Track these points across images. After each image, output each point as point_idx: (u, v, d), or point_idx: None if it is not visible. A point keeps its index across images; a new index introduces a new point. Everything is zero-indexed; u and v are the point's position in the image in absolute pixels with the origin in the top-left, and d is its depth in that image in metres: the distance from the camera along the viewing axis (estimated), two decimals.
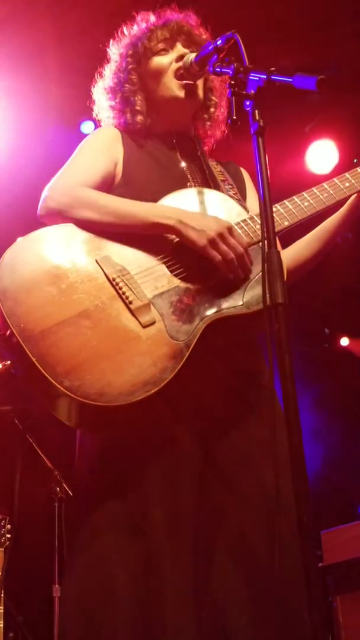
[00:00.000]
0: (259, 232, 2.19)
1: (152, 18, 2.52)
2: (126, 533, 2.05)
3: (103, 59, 2.60)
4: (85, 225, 2.23)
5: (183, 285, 2.17)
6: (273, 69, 1.96)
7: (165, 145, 2.49)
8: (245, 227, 2.25)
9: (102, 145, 2.43)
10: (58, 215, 2.24)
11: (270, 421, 1.99)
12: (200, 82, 2.47)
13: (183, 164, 2.46)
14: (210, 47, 2.25)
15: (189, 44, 2.46)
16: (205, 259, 2.17)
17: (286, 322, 1.75)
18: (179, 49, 2.45)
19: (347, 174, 2.37)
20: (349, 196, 2.37)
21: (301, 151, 5.42)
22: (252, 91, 1.95)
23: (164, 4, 2.57)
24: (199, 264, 2.22)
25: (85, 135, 2.52)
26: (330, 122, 5.30)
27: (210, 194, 2.33)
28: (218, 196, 2.34)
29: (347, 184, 2.35)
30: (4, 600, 3.95)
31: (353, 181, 2.35)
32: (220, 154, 2.63)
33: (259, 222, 2.16)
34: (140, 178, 2.38)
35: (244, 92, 1.97)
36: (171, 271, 2.19)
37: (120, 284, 2.13)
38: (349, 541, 3.93)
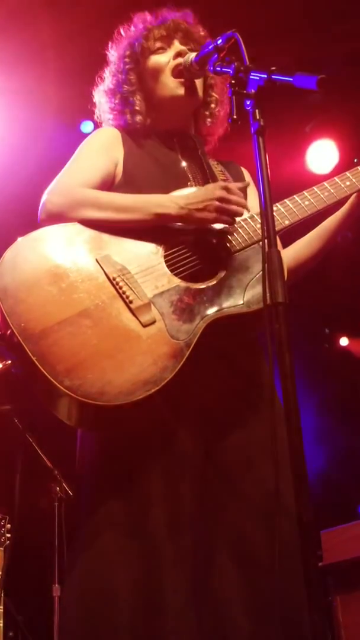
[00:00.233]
0: (260, 231, 2.19)
1: (149, 17, 2.51)
2: (126, 533, 2.05)
3: (103, 59, 2.60)
4: (87, 224, 2.23)
5: (183, 284, 2.17)
6: (274, 68, 1.96)
7: (165, 144, 2.49)
8: (246, 226, 2.26)
9: (102, 146, 2.43)
10: (59, 218, 2.24)
11: (271, 420, 1.99)
12: (199, 80, 2.47)
13: (184, 164, 2.46)
14: (210, 47, 2.25)
15: (187, 41, 2.46)
16: (208, 258, 2.18)
17: (286, 321, 1.75)
18: (177, 46, 2.45)
19: (348, 173, 2.37)
20: (350, 195, 2.37)
21: (301, 151, 5.42)
22: (253, 90, 1.95)
23: (161, 3, 2.57)
24: (199, 263, 2.22)
25: (84, 135, 2.53)
26: (331, 122, 5.30)
27: None
28: None
29: (347, 183, 2.35)
30: (4, 600, 3.95)
31: (354, 180, 2.35)
32: (221, 154, 2.62)
33: (260, 221, 2.17)
34: (140, 178, 2.38)
35: (245, 92, 1.96)
36: (171, 270, 2.19)
37: (121, 284, 2.13)
38: (349, 541, 3.92)
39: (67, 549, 3.66)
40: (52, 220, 2.24)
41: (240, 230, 2.25)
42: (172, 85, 2.43)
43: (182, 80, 2.42)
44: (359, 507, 5.42)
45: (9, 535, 4.05)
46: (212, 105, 2.54)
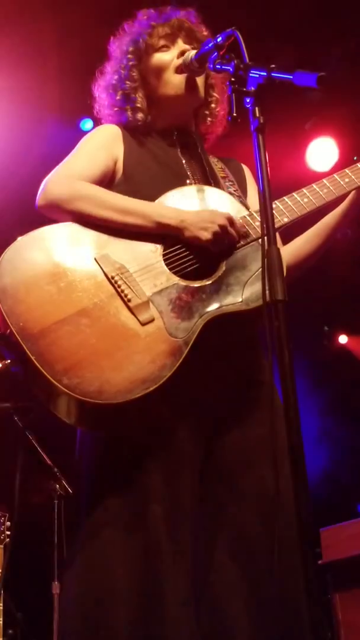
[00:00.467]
0: (259, 229, 2.19)
1: (153, 15, 2.51)
2: (126, 530, 2.05)
3: (103, 56, 2.59)
4: (84, 221, 2.23)
5: (182, 282, 2.17)
6: (273, 66, 1.96)
7: (165, 142, 2.49)
8: (245, 224, 2.25)
9: (102, 143, 2.43)
10: (56, 207, 2.24)
11: (270, 418, 1.99)
12: (201, 79, 2.46)
13: (183, 161, 2.46)
14: (210, 44, 2.25)
15: (190, 40, 2.46)
16: (206, 256, 2.18)
17: (286, 318, 1.74)
18: (180, 45, 2.45)
19: (347, 170, 2.37)
20: (349, 192, 2.37)
21: (301, 148, 5.42)
22: (253, 88, 1.95)
23: (162, 1, 2.57)
24: (198, 261, 2.22)
25: (84, 133, 2.52)
26: (330, 120, 5.30)
27: (210, 191, 2.33)
28: (218, 193, 2.34)
29: (346, 180, 2.35)
30: (4, 597, 3.96)
31: (353, 177, 2.35)
32: (221, 151, 2.62)
33: (259, 218, 2.17)
34: (140, 175, 2.38)
35: (244, 89, 1.96)
36: (170, 269, 2.19)
37: (119, 282, 2.13)
38: (348, 539, 3.93)
39: (66, 546, 3.66)
40: (49, 208, 2.24)
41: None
42: (175, 83, 2.43)
43: (186, 78, 2.42)
44: (358, 506, 5.42)
45: (8, 532, 4.05)
46: (213, 105, 2.54)
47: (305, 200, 2.29)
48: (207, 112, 2.55)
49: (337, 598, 3.84)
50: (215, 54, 2.21)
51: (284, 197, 2.30)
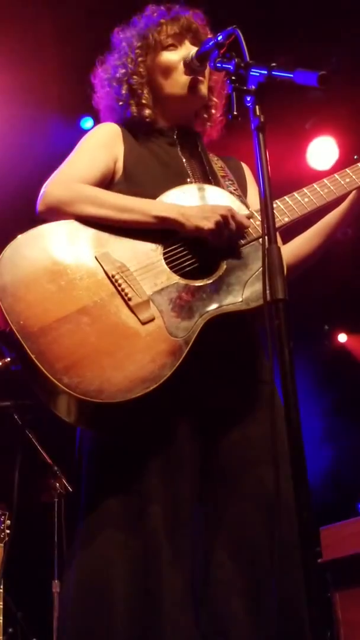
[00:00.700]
0: (259, 228, 2.18)
1: (162, 12, 2.49)
2: (125, 529, 2.05)
3: (103, 54, 2.58)
4: (85, 221, 2.23)
5: (182, 281, 2.16)
6: (274, 64, 1.95)
7: (166, 140, 2.48)
8: None
9: (102, 142, 2.42)
10: (57, 211, 2.23)
11: (271, 418, 1.99)
12: (204, 80, 2.46)
13: (184, 160, 2.45)
14: (211, 43, 2.24)
15: (196, 42, 2.45)
16: (207, 255, 2.17)
17: (286, 318, 1.74)
18: (187, 46, 2.44)
19: (347, 170, 2.36)
20: (350, 192, 2.37)
21: (302, 147, 5.42)
22: (253, 87, 1.95)
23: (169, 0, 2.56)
24: (198, 260, 2.21)
25: (84, 132, 2.51)
26: (331, 119, 5.30)
27: (210, 190, 2.33)
28: (218, 192, 2.33)
29: (347, 180, 2.35)
30: (4, 596, 3.96)
31: (354, 176, 2.35)
32: (222, 150, 2.62)
33: (259, 218, 2.17)
34: (140, 174, 2.37)
35: (245, 88, 1.96)
36: (171, 268, 2.19)
37: (120, 281, 2.13)
38: (348, 537, 3.93)
39: (66, 545, 3.66)
40: (50, 213, 2.23)
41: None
42: (183, 83, 2.42)
43: (191, 79, 2.41)
44: (358, 504, 5.42)
45: (8, 531, 4.06)
46: (212, 111, 2.54)
47: (306, 199, 2.29)
48: (205, 116, 2.55)
49: (337, 597, 3.85)
50: (216, 52, 2.20)
51: (285, 197, 2.29)
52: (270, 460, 1.89)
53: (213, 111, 2.55)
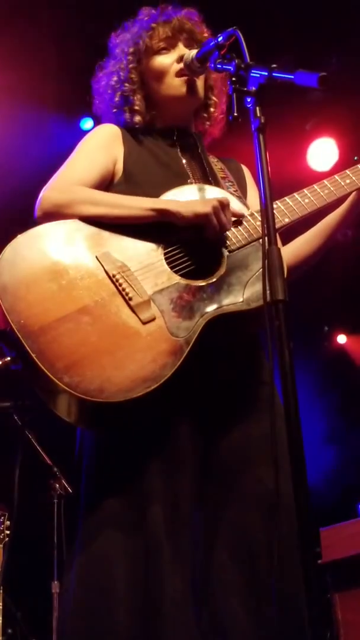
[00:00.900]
0: (260, 229, 2.19)
1: (154, 14, 2.50)
2: (125, 530, 2.05)
3: (103, 55, 2.59)
4: (86, 221, 2.23)
5: (183, 281, 2.17)
6: (274, 65, 1.96)
7: (165, 141, 2.49)
8: (246, 224, 2.26)
9: (101, 144, 2.43)
10: (54, 216, 2.23)
11: (271, 418, 1.99)
12: (200, 80, 2.46)
13: (183, 161, 2.46)
14: (211, 44, 2.24)
15: (191, 42, 2.45)
16: (208, 253, 2.18)
17: (286, 318, 1.74)
18: (181, 48, 2.44)
19: (347, 171, 2.36)
20: (350, 193, 2.37)
21: (302, 149, 5.42)
22: (254, 88, 1.95)
23: (165, 0, 2.56)
24: (199, 261, 2.22)
25: (84, 132, 2.52)
26: (331, 120, 5.31)
27: (210, 190, 2.33)
28: (218, 193, 2.34)
29: (347, 181, 2.35)
30: (3, 596, 3.96)
31: (354, 178, 2.35)
32: (222, 151, 2.62)
33: (259, 218, 2.17)
34: (140, 175, 2.38)
35: (245, 89, 1.96)
36: (171, 267, 2.19)
37: (120, 281, 2.13)
38: (348, 538, 3.93)
39: (66, 546, 3.66)
40: (48, 218, 2.23)
41: (240, 227, 2.25)
42: (176, 85, 2.42)
43: (186, 79, 2.41)
44: (358, 505, 5.42)
45: (8, 532, 4.06)
46: (212, 109, 2.54)
47: (307, 200, 2.29)
48: (205, 115, 2.55)
49: (336, 598, 3.85)
50: (216, 53, 2.20)
51: (285, 198, 2.30)
52: (271, 460, 1.89)
53: (212, 110, 2.55)
